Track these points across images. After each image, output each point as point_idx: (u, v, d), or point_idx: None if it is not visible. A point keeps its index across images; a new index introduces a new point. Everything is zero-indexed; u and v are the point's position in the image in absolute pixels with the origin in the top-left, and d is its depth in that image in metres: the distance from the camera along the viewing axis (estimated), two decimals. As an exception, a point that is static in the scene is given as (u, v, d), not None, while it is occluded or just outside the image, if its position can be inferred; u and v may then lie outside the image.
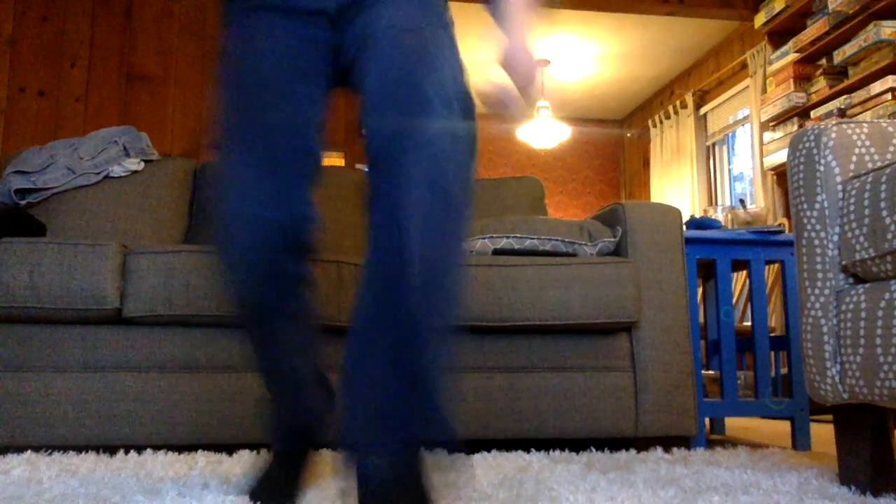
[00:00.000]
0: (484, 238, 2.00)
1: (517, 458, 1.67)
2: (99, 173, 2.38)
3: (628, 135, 6.99)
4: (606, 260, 1.94)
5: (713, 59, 5.51)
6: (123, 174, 2.41)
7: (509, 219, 2.06)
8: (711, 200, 5.54)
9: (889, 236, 1.15)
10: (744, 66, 5.04)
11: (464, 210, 0.90)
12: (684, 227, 2.17)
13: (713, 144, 5.60)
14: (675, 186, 5.78)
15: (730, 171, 5.50)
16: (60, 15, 3.95)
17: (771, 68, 4.37)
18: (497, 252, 2.00)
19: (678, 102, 5.86)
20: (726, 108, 5.40)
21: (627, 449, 1.89)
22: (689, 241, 2.11)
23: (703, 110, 5.64)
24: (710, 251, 2.14)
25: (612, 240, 2.02)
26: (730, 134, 5.46)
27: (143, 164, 2.46)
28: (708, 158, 5.63)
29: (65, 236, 2.21)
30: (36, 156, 2.39)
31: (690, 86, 5.83)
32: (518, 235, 2.00)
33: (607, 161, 7.12)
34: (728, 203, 5.43)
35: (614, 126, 7.15)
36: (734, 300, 3.41)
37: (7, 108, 3.85)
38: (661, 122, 6.14)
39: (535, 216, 2.15)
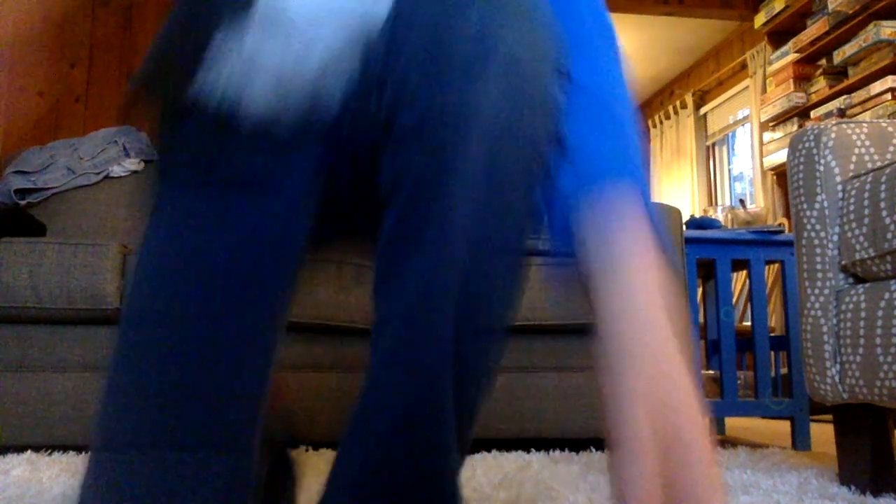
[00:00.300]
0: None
1: (517, 458, 1.67)
2: (99, 173, 2.38)
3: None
4: (606, 260, 1.95)
5: (713, 59, 5.52)
6: (123, 174, 2.41)
7: (509, 219, 2.07)
8: (711, 200, 5.55)
9: (889, 236, 1.15)
10: (744, 66, 5.04)
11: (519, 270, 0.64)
12: (684, 227, 2.17)
13: (713, 144, 5.60)
14: (676, 186, 5.78)
15: (730, 171, 5.51)
16: (60, 15, 3.95)
17: (771, 68, 4.37)
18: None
19: (678, 102, 5.86)
20: (726, 108, 5.40)
21: (627, 449, 1.89)
22: (689, 241, 2.11)
23: (702, 110, 5.64)
24: (710, 251, 2.14)
25: (612, 240, 2.03)
26: (730, 134, 5.46)
27: (143, 164, 2.46)
28: (708, 158, 5.64)
29: (65, 236, 2.21)
30: (36, 156, 2.40)
31: (690, 86, 5.83)
32: (518, 235, 2.00)
33: (607, 161, 7.12)
34: (728, 203, 5.44)
35: (614, 126, 7.15)
36: (734, 300, 3.41)
37: (6, 109, 3.85)
38: (661, 122, 6.15)
39: (535, 216, 2.16)
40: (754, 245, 2.13)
